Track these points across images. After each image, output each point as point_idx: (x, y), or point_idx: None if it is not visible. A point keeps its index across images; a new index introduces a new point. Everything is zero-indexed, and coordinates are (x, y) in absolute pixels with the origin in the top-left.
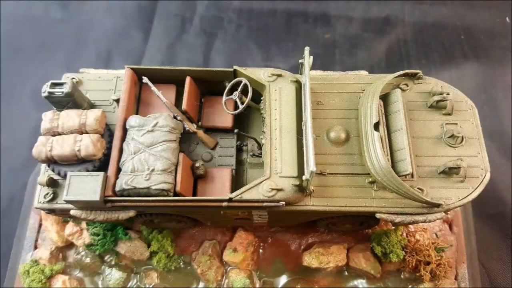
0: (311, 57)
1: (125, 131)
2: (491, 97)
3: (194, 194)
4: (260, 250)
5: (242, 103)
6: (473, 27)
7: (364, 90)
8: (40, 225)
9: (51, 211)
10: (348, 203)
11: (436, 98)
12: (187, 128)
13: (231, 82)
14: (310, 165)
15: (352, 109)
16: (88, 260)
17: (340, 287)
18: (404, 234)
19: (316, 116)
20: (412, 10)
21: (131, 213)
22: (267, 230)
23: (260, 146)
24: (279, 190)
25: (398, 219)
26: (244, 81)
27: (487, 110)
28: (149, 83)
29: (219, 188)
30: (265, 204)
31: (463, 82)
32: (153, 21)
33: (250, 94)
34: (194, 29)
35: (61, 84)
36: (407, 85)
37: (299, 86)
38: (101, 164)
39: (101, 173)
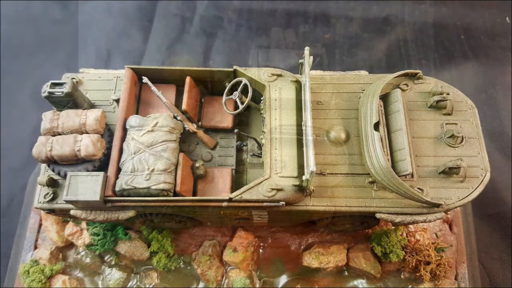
0: (311, 57)
1: (125, 131)
2: (491, 97)
3: (194, 194)
4: (260, 250)
5: (242, 103)
6: (473, 27)
7: (364, 90)
8: (40, 225)
9: (51, 211)
10: (348, 203)
11: (436, 98)
12: (187, 128)
13: (231, 82)
14: (310, 165)
15: (352, 109)
16: (88, 260)
17: (340, 287)
18: (404, 234)
19: (316, 116)
20: (412, 10)
21: (131, 213)
22: (267, 230)
23: (260, 146)
24: (279, 190)
25: (398, 219)
26: (244, 81)
27: (487, 110)
28: (149, 83)
29: (219, 188)
30: (265, 204)
31: (463, 82)
32: (153, 21)
33: (250, 94)
34: (194, 29)
35: (61, 84)
36: (407, 85)
37: (299, 86)
38: (101, 164)
39: (101, 173)
